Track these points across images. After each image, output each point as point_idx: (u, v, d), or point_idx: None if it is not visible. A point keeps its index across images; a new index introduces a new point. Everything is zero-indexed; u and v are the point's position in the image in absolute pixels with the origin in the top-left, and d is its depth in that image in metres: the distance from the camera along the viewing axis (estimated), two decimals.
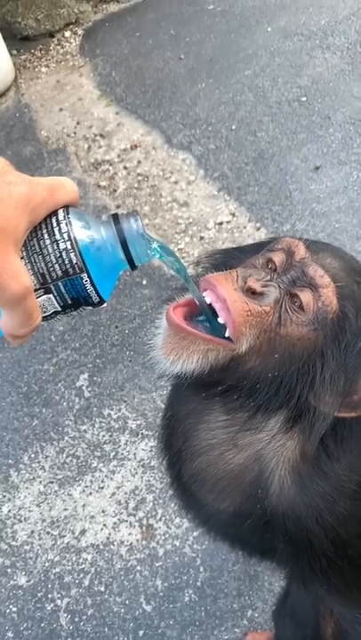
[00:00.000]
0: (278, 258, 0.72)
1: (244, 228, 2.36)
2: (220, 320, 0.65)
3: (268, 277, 0.69)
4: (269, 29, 3.24)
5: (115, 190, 2.61)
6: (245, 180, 2.53)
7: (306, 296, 0.66)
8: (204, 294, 0.66)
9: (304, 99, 2.81)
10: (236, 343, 0.64)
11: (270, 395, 0.65)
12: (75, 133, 2.91)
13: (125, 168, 2.70)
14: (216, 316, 0.66)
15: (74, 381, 2.03)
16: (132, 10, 3.65)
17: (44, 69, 3.36)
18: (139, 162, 2.72)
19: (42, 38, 3.50)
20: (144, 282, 2.27)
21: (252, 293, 0.66)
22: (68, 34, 3.55)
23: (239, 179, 2.54)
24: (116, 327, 2.16)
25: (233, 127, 2.76)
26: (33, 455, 1.89)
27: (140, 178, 2.65)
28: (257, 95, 2.89)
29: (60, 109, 3.07)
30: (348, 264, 0.71)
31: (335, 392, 0.65)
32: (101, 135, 2.87)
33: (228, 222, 2.40)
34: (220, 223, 2.40)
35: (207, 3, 3.54)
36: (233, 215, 2.41)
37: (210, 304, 0.66)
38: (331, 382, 0.64)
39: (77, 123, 2.97)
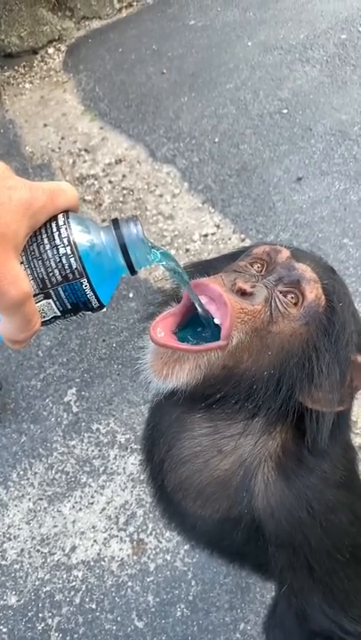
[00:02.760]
0: (260, 261, 0.74)
1: (229, 239, 2.38)
2: (217, 321, 0.65)
3: (254, 279, 0.71)
4: (250, 44, 3.29)
5: (100, 204, 2.63)
6: (229, 192, 2.55)
7: (295, 292, 0.68)
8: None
9: (285, 111, 2.85)
10: (232, 340, 0.64)
11: (269, 393, 0.65)
12: (59, 148, 2.93)
13: (110, 182, 2.72)
14: (207, 321, 0.66)
15: (62, 396, 2.03)
16: (115, 26, 3.70)
17: (27, 85, 3.38)
18: (123, 176, 2.74)
19: (25, 55, 3.53)
20: (131, 295, 2.28)
21: (241, 294, 0.67)
22: (51, 50, 3.58)
23: (223, 191, 2.57)
24: (104, 341, 2.16)
25: (216, 140, 2.80)
26: (22, 472, 1.88)
27: (125, 192, 2.67)
28: (239, 108, 2.93)
29: (45, 125, 3.08)
30: (322, 264, 0.75)
31: (332, 384, 0.66)
32: (86, 150, 2.89)
33: (213, 234, 2.41)
34: (206, 235, 2.42)
35: (188, 18, 3.60)
36: (218, 227, 2.44)
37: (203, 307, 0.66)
38: (327, 373, 0.66)
39: (62, 138, 2.98)
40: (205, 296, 0.66)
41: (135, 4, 3.85)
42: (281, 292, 0.69)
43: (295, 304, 0.68)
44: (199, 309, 0.66)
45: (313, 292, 0.68)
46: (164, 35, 3.52)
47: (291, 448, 0.70)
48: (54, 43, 3.61)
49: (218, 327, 0.65)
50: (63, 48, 3.60)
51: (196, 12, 3.64)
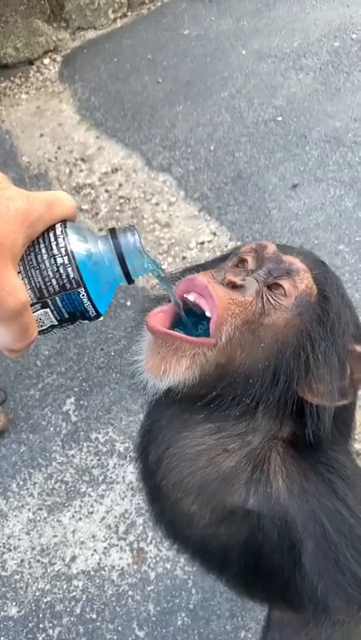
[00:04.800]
0: (249, 257, 0.74)
1: (226, 246, 2.39)
2: (208, 314, 0.65)
3: (244, 274, 0.71)
4: (244, 52, 3.32)
5: (97, 213, 2.64)
6: (225, 200, 2.57)
7: (286, 283, 0.68)
8: (188, 296, 0.66)
9: (280, 118, 2.88)
10: (222, 334, 0.63)
11: (266, 385, 0.64)
12: (56, 158, 2.95)
13: (107, 191, 2.73)
14: (199, 320, 0.66)
15: (60, 406, 2.03)
16: (110, 36, 3.73)
17: (24, 96, 3.40)
18: (120, 185, 2.75)
19: (21, 66, 3.56)
20: (128, 303, 2.29)
21: (232, 287, 0.66)
22: (47, 61, 3.61)
23: (219, 198, 2.58)
24: (102, 350, 2.16)
25: (211, 148, 2.82)
26: (21, 482, 1.88)
27: (121, 200, 2.68)
28: (234, 116, 2.95)
29: (41, 135, 3.11)
30: (311, 256, 0.75)
31: (330, 374, 0.65)
32: (82, 159, 2.91)
33: (209, 242, 2.43)
34: (202, 243, 2.43)
35: (183, 28, 3.63)
36: (214, 234, 2.45)
37: (196, 306, 0.66)
38: (324, 362, 0.65)
39: (58, 148, 3.00)
40: (194, 292, 0.66)
41: (130, 14, 3.89)
42: (271, 284, 0.69)
43: (286, 295, 0.67)
44: (180, 312, 0.66)
45: (303, 281, 0.68)
46: (159, 44, 3.55)
47: (300, 440, 0.69)
48: (50, 53, 3.64)
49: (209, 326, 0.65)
50: (59, 58, 3.63)
51: (190, 22, 3.67)
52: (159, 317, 0.66)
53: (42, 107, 3.30)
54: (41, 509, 1.82)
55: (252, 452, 0.69)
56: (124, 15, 3.87)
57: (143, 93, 3.23)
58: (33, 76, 3.53)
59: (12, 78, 3.51)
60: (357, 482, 0.68)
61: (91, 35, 3.77)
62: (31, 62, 3.58)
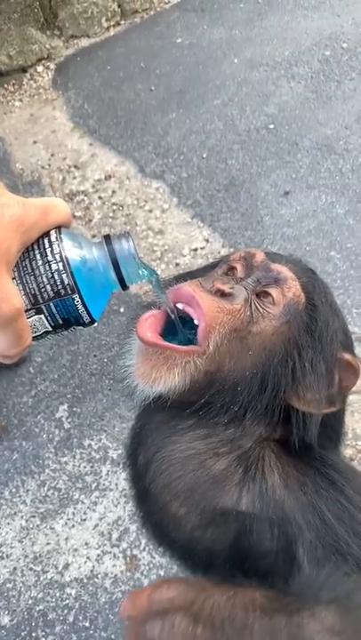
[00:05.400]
0: (237, 265, 0.75)
1: (219, 253, 2.40)
2: (196, 321, 0.65)
3: (233, 282, 0.71)
4: (236, 61, 3.35)
5: (90, 220, 2.65)
6: (218, 207, 2.59)
7: (274, 291, 0.68)
8: (177, 305, 0.67)
9: (272, 126, 2.90)
10: (210, 342, 0.64)
11: (254, 393, 0.65)
12: (49, 165, 2.96)
13: (100, 198, 2.74)
14: (192, 324, 0.66)
15: (53, 413, 2.03)
16: (103, 44, 3.75)
17: (17, 103, 3.41)
18: (113, 192, 2.76)
19: (15, 73, 3.57)
20: (122, 310, 2.29)
21: (221, 295, 0.67)
22: (40, 68, 3.62)
23: (212, 205, 2.60)
24: (95, 356, 2.17)
25: (204, 155, 2.84)
26: (14, 489, 1.88)
27: (114, 207, 2.69)
28: (226, 124, 2.97)
29: (35, 142, 3.11)
30: (300, 264, 0.76)
31: (318, 382, 0.65)
32: (75, 166, 2.92)
33: (202, 248, 2.44)
34: (195, 249, 2.44)
35: (175, 36, 3.66)
36: (207, 241, 2.46)
37: (184, 313, 0.66)
38: (312, 369, 0.65)
39: (52, 155, 3.01)
40: (181, 302, 0.66)
41: (123, 22, 3.91)
42: (260, 292, 0.69)
43: (275, 303, 0.68)
44: (173, 318, 0.66)
45: (291, 289, 0.69)
46: (152, 52, 3.57)
47: (291, 442, 0.69)
48: (43, 61, 3.66)
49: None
50: (52, 66, 3.65)
51: (182, 31, 3.71)
52: (150, 323, 0.66)
53: (35, 114, 3.31)
54: (34, 517, 1.81)
55: (243, 454, 0.69)
56: (118, 23, 3.90)
57: (136, 101, 3.25)
58: (26, 83, 3.55)
59: (5, 86, 3.52)
60: (353, 476, 0.69)
61: (84, 43, 3.79)
62: (25, 70, 3.59)
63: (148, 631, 0.50)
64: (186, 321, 0.68)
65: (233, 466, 0.69)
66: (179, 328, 0.67)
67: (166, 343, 0.64)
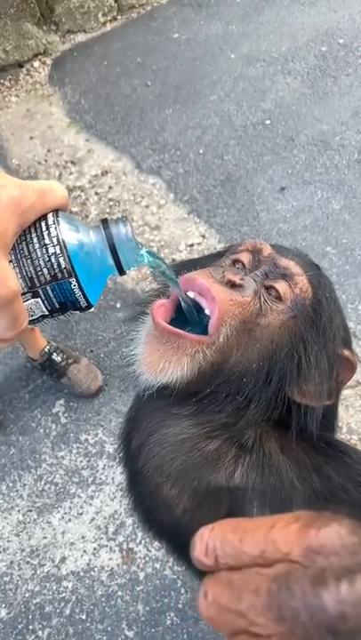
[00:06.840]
0: (245, 257, 0.75)
1: (215, 248, 2.41)
2: (207, 312, 0.65)
3: (242, 273, 0.72)
4: (233, 56, 3.35)
5: (87, 216, 2.65)
6: (214, 203, 2.59)
7: (282, 286, 0.69)
8: (188, 293, 0.67)
9: (268, 122, 2.90)
10: (220, 334, 0.64)
11: (259, 385, 0.65)
12: (46, 161, 2.96)
13: (97, 194, 2.74)
14: (199, 315, 0.67)
15: (50, 407, 2.04)
16: (100, 39, 3.74)
17: (13, 99, 3.41)
18: (110, 187, 2.76)
19: (11, 69, 3.56)
20: (118, 305, 2.30)
21: (231, 286, 0.67)
22: (36, 64, 3.61)
23: (208, 201, 2.60)
24: (91, 351, 2.17)
25: (200, 151, 2.84)
26: (11, 484, 1.88)
27: (111, 203, 2.69)
28: (223, 119, 2.97)
29: (31, 137, 3.11)
30: (305, 259, 0.77)
31: (320, 377, 0.66)
32: (72, 162, 2.92)
33: (198, 244, 2.45)
34: (192, 245, 2.45)
35: (172, 31, 3.65)
36: (203, 237, 2.47)
37: (193, 302, 0.66)
38: (316, 364, 0.66)
39: (48, 150, 3.01)
40: (193, 291, 0.66)
41: (120, 17, 3.90)
42: (268, 286, 0.70)
43: (283, 297, 0.69)
44: (184, 306, 0.66)
45: (299, 284, 0.69)
46: (149, 48, 3.57)
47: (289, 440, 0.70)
48: (40, 56, 3.65)
49: (207, 323, 0.65)
50: (49, 61, 3.64)
51: (179, 26, 3.70)
52: (161, 311, 0.66)
53: (32, 109, 3.31)
54: (30, 511, 1.82)
55: (239, 433, 0.70)
56: (114, 19, 3.89)
57: (133, 96, 3.24)
58: (23, 78, 3.54)
59: (1, 81, 3.51)
60: (353, 453, 0.69)
61: (81, 38, 3.78)
62: (21, 65, 3.59)
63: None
64: (191, 310, 0.68)
65: (227, 444, 0.70)
66: (192, 316, 0.67)
67: (179, 330, 0.64)
